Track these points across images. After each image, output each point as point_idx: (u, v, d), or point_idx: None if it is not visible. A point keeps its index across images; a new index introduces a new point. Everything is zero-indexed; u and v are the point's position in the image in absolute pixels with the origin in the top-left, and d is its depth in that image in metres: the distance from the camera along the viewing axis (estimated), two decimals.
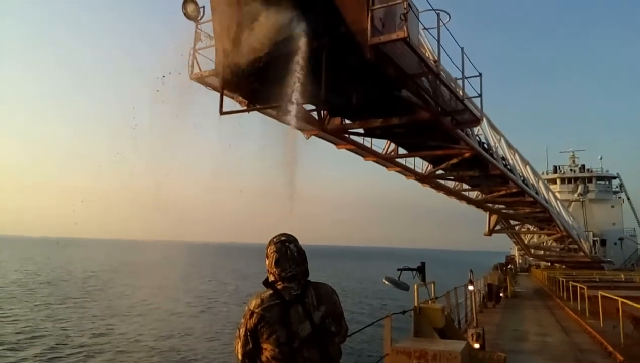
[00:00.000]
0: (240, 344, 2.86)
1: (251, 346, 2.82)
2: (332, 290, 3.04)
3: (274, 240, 3.05)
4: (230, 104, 8.78)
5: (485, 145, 14.73)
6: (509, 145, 17.82)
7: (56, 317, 27.00)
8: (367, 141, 13.16)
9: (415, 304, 7.81)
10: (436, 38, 8.50)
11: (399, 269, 8.14)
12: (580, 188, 53.78)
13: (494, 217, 30.61)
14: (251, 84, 7.93)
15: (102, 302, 33.63)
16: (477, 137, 14.10)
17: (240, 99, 8.84)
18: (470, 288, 13.60)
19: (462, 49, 9.61)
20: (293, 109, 6.90)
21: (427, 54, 8.83)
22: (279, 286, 2.91)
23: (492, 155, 14.91)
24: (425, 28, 8.94)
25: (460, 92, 9.97)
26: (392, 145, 14.08)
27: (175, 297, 36.84)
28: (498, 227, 31.99)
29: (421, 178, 16.99)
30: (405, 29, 6.94)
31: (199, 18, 8.39)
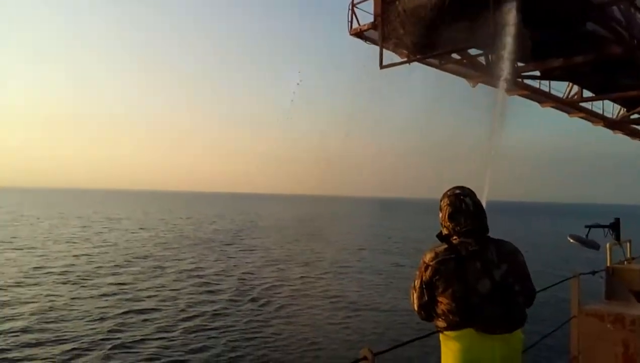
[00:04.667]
0: (415, 295, 2.89)
1: (426, 298, 2.83)
2: (515, 248, 2.89)
3: (448, 193, 2.99)
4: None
5: None
6: None
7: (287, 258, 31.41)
8: (543, 85, 11.85)
9: (608, 264, 6.95)
10: None
11: (587, 226, 7.33)
12: None
13: None
14: (412, 33, 7.64)
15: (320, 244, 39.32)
16: None
17: (401, 50, 8.58)
18: None
19: None
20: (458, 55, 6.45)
21: None
22: (455, 240, 2.85)
23: None
24: None
25: None
26: (575, 88, 12.46)
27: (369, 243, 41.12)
28: None
29: (611, 124, 14.81)
30: None
31: None
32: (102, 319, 15.48)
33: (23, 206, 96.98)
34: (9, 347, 12.57)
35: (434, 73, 9.63)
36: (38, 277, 22.06)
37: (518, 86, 11.42)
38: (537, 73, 10.86)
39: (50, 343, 13.02)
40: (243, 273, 25.00)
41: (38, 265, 25.06)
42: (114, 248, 33.44)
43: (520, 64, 10.12)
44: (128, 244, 36.60)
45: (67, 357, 12.08)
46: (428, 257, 2.83)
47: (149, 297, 18.92)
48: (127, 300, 18.30)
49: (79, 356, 12.18)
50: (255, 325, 15.22)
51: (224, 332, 14.49)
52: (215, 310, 17.03)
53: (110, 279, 22.22)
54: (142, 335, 13.94)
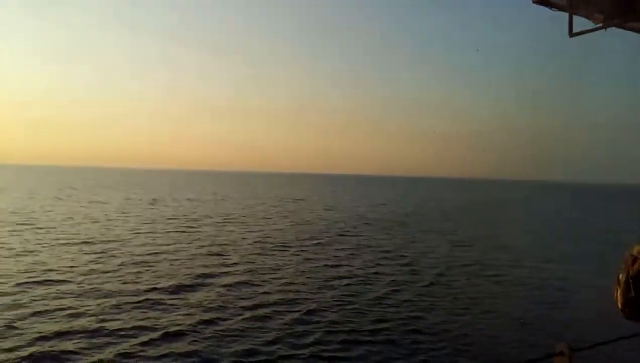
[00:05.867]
0: (619, 291, 2.67)
1: (633, 294, 2.60)
2: None
3: None
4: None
5: None
6: None
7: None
8: None
9: None
10: None
11: None
12: None
13: None
14: None
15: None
16: None
17: (595, 15, 8.39)
18: None
19: None
20: None
21: None
22: None
23: None
24: None
25: None
26: None
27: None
28: None
29: None
30: None
31: None
32: (319, 283, 18.35)
33: (222, 186, 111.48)
34: (245, 296, 15.93)
35: (636, 39, 9.29)
36: (257, 244, 26.47)
37: None
38: None
39: (278, 294, 16.14)
40: (428, 253, 26.04)
41: (256, 239, 29.60)
42: (309, 225, 37.72)
43: None
44: (319, 221, 40.88)
45: (298, 309, 14.91)
46: (637, 249, 2.59)
47: (346, 265, 21.73)
48: (330, 266, 21.31)
49: (302, 310, 15.00)
50: (446, 303, 16.05)
51: (418, 305, 15.75)
52: (405, 283, 18.59)
53: (316, 249, 25.84)
54: (357, 299, 16.42)
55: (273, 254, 23.70)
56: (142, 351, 10.94)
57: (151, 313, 13.60)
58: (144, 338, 11.63)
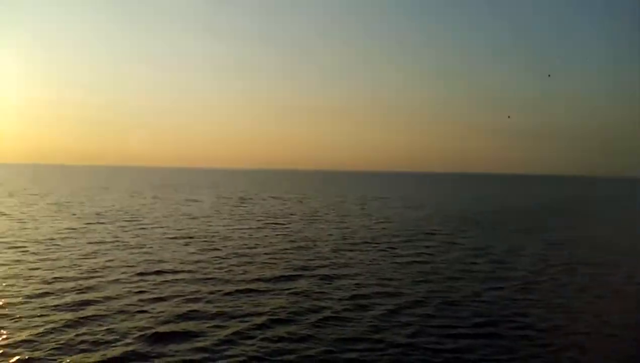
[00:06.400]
0: None
1: None
2: None
3: None
4: None
5: None
6: None
7: None
8: None
9: None
10: None
11: None
12: None
13: None
14: None
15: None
16: None
17: None
18: None
19: None
20: None
21: None
22: None
23: None
24: None
25: None
26: None
27: None
28: None
29: None
30: None
31: None
32: (412, 278, 18.83)
33: (302, 185, 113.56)
34: (342, 288, 16.58)
35: None
36: (346, 240, 27.21)
37: None
38: None
39: (373, 286, 16.67)
40: (522, 251, 25.57)
41: (344, 235, 30.42)
42: (394, 223, 37.97)
43: None
44: (404, 219, 40.99)
45: (396, 304, 15.44)
46: None
47: (437, 262, 21.97)
48: (421, 262, 21.61)
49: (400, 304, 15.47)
50: (545, 300, 15.87)
51: (516, 302, 15.80)
52: (500, 280, 18.70)
53: (405, 245, 26.27)
54: (455, 296, 16.68)
55: (363, 250, 24.31)
56: (261, 334, 11.98)
57: (258, 300, 14.69)
58: (258, 321, 12.70)
